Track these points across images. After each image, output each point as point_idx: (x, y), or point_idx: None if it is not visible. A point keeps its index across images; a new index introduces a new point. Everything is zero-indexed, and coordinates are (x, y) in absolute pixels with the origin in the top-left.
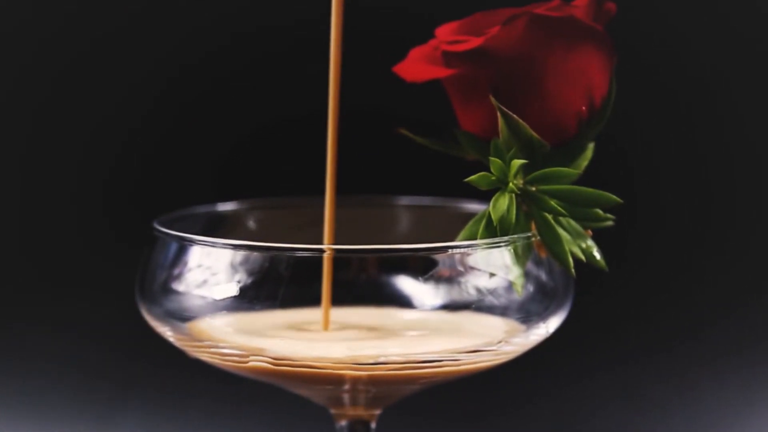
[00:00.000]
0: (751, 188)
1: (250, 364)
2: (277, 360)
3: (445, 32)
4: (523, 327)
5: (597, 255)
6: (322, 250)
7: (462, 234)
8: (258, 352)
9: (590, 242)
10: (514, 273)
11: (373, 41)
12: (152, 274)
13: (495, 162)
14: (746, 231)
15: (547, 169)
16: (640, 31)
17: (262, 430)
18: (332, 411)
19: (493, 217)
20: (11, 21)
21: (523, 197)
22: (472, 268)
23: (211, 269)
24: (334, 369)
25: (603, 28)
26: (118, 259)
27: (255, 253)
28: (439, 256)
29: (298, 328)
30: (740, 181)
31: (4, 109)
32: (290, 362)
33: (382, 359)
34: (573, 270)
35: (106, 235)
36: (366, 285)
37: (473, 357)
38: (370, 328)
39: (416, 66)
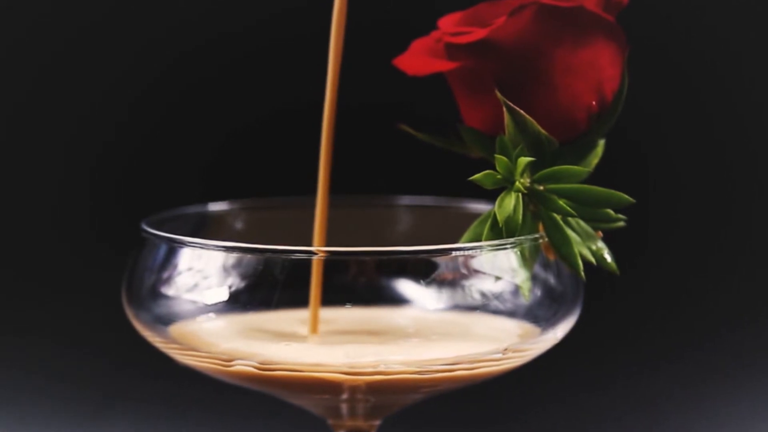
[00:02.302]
0: None
1: (240, 369)
2: (270, 367)
3: (448, 23)
4: (529, 330)
5: (608, 257)
6: (317, 253)
7: (466, 235)
8: (250, 358)
9: (601, 244)
10: (521, 276)
11: (372, 32)
12: (140, 278)
13: (501, 160)
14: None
15: (555, 168)
16: (653, 22)
17: None
18: (330, 422)
19: (498, 217)
20: None
21: (530, 197)
22: (477, 272)
23: (202, 272)
24: (330, 376)
25: (614, 19)
26: (103, 263)
27: (248, 256)
28: (441, 259)
29: (293, 333)
30: (762, 179)
31: None
32: (284, 369)
33: (382, 366)
34: (583, 273)
35: (91, 237)
36: (365, 289)
37: (477, 364)
38: (370, 334)
39: (418, 59)
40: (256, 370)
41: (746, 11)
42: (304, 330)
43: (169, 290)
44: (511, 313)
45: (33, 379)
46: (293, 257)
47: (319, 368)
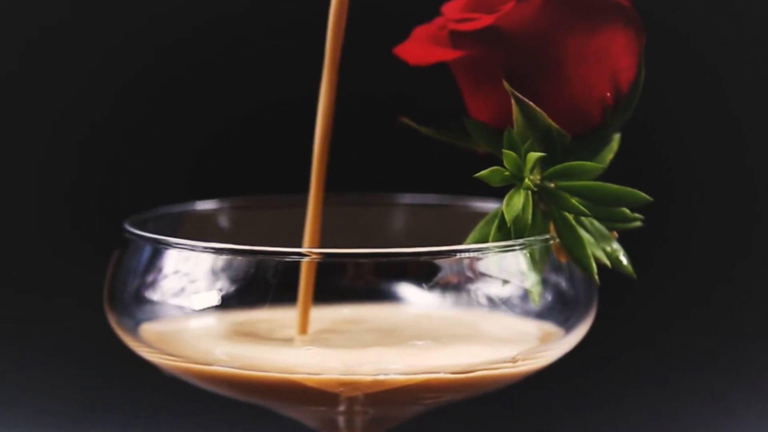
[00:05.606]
0: None
1: (230, 378)
2: (261, 375)
3: (452, 9)
4: (540, 337)
5: (624, 260)
6: (313, 254)
7: (471, 236)
8: (241, 367)
9: (616, 245)
10: (531, 280)
11: (371, 19)
12: (123, 282)
13: (509, 155)
14: None
15: (567, 163)
16: (671, 7)
17: None
18: None
19: (506, 217)
20: None
21: (540, 195)
22: (483, 275)
23: (189, 276)
24: (325, 386)
25: (630, 4)
26: (84, 265)
27: (239, 258)
28: (445, 261)
29: (285, 340)
30: None
31: None
32: (276, 377)
33: (381, 375)
34: (597, 277)
35: (72, 237)
36: (364, 293)
37: (483, 372)
38: (368, 341)
39: (420, 47)
40: (246, 380)
41: None
42: (303, 337)
43: (153, 294)
44: (519, 319)
45: (8, 388)
46: (287, 259)
47: (314, 377)
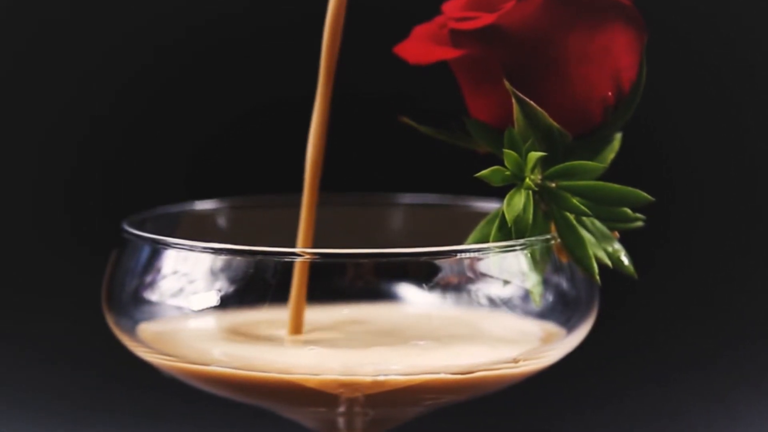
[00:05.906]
0: None
1: (229, 379)
2: (259, 377)
3: (453, 8)
4: (541, 338)
5: (625, 260)
6: (313, 255)
7: (472, 236)
8: (240, 368)
9: (617, 245)
10: (532, 280)
11: (371, 18)
12: (121, 282)
13: (509, 155)
14: None
15: (568, 163)
16: (673, 5)
17: None
18: None
19: (507, 217)
20: None
21: (541, 194)
22: (484, 275)
23: (188, 276)
24: (325, 387)
25: (631, 2)
26: (83, 265)
27: (238, 258)
28: (445, 262)
29: (285, 341)
30: None
31: None
32: (274, 378)
33: (381, 376)
34: (598, 277)
35: (69, 237)
36: (363, 293)
37: (484, 372)
38: (369, 342)
39: (420, 46)
40: (245, 380)
41: None
42: (297, 337)
43: (152, 295)
44: (521, 320)
45: (10, 385)
46: (286, 259)
47: (313, 378)
